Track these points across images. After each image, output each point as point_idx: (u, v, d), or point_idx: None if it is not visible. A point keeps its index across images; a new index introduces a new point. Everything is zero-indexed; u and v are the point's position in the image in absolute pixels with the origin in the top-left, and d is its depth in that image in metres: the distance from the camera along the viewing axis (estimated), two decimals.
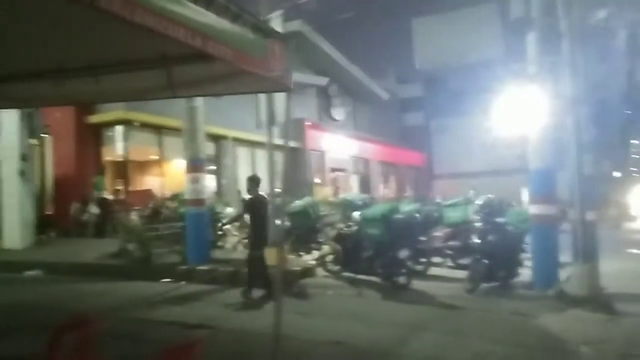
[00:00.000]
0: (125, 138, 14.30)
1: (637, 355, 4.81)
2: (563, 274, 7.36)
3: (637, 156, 48.14)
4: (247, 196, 8.09)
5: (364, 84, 25.29)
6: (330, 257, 9.07)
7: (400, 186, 28.15)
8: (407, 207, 9.21)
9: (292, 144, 17.87)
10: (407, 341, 5.37)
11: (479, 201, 8.85)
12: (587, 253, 7.10)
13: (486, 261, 7.55)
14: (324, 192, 19.50)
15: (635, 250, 12.56)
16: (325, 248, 9.63)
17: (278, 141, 9.64)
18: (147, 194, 14.20)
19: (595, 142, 7.88)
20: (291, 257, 9.51)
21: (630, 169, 46.60)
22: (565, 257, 7.53)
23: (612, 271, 8.33)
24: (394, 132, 30.51)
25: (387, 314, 6.53)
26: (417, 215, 8.98)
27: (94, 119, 14.31)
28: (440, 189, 24.40)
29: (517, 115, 8.15)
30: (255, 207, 7.47)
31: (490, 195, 8.84)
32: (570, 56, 7.44)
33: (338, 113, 24.13)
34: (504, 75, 9.72)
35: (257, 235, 7.45)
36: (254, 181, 7.63)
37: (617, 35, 17.93)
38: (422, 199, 14.58)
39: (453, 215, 9.54)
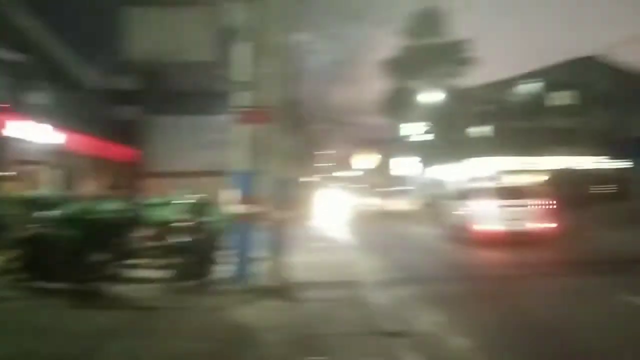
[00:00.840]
0: None
1: (314, 335, 5.54)
2: (259, 268, 8.03)
3: (320, 165, 56.68)
4: None
5: (72, 70, 22.73)
6: (12, 264, 7.76)
7: (108, 183, 26.29)
8: (108, 206, 8.59)
9: None
10: (94, 351, 4.97)
11: (186, 200, 8.89)
12: (279, 248, 8.02)
13: (188, 260, 7.66)
14: (12, 187, 16.69)
15: (315, 244, 14.68)
16: (8, 253, 8.20)
17: None
18: None
19: (289, 150, 8.91)
20: None
21: (314, 175, 54.80)
22: (262, 252, 8.24)
23: (298, 263, 9.53)
24: (106, 125, 28.34)
25: (76, 324, 5.93)
26: (120, 214, 8.46)
27: None
28: (153, 187, 23.74)
29: (226, 120, 8.57)
30: None
31: (196, 195, 8.98)
32: (274, 69, 8.24)
33: (37, 98, 21.06)
34: (219, 79, 10.10)
35: None
36: None
37: (316, 57, 20.67)
38: (128, 197, 13.88)
39: (158, 214, 9.33)
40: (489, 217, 13.93)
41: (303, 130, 23.51)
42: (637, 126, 28.78)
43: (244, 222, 8.24)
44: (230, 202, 8.34)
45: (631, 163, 32.10)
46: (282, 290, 7.50)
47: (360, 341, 5.31)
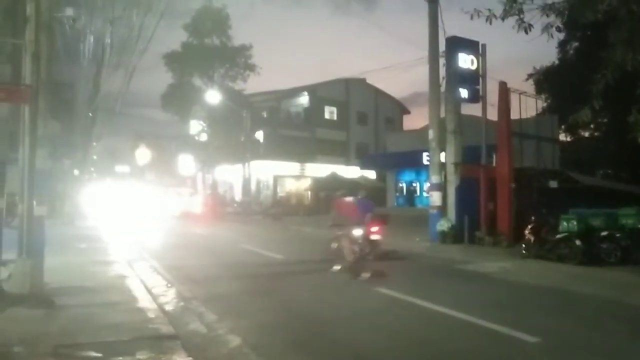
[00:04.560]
0: None
1: (69, 345, 4.93)
2: (5, 271, 6.87)
3: (95, 157, 52.06)
4: None
5: None
6: None
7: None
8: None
9: None
10: None
11: None
12: (32, 249, 6.87)
13: None
14: None
15: (84, 245, 13.24)
16: None
17: None
18: None
19: (52, 136, 7.74)
20: None
21: (91, 169, 49.83)
22: (9, 254, 7.04)
23: (58, 266, 8.50)
24: None
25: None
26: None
27: None
28: None
29: None
30: None
31: None
32: (34, 44, 7.07)
33: None
34: None
35: None
36: None
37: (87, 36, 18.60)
38: None
39: None
40: (180, 205, 31.31)
41: (72, 116, 20.95)
42: (389, 142, 33.44)
43: None
44: None
45: (379, 173, 37.23)
46: (35, 297, 6.53)
47: (128, 347, 4.93)
